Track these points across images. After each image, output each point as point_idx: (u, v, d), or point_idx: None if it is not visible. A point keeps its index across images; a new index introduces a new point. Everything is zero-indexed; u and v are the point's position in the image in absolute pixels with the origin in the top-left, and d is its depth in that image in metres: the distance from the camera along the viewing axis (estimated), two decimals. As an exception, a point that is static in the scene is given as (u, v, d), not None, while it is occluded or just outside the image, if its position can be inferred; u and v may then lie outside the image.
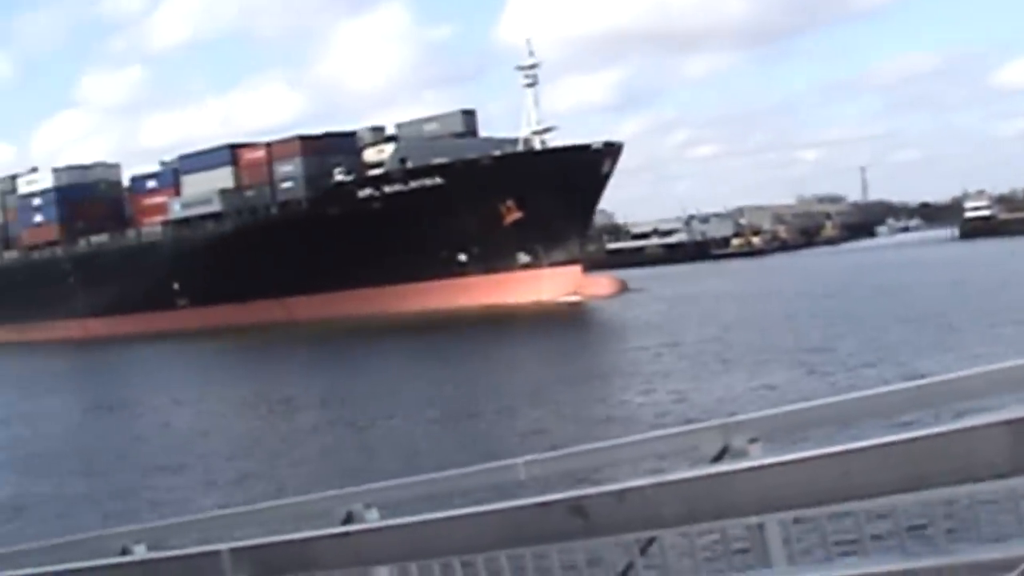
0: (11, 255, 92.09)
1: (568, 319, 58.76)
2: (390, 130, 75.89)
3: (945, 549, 3.39)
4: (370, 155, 70.37)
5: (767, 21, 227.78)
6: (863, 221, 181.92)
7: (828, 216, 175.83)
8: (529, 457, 4.81)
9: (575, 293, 65.59)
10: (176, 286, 76.81)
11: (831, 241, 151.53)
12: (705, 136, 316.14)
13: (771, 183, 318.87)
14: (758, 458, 3.80)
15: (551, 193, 62.69)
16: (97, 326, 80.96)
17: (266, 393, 36.26)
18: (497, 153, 66.39)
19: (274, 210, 73.40)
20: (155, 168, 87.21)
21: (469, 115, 74.56)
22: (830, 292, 54.68)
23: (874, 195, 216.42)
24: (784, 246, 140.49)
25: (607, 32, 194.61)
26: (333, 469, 20.86)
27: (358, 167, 70.33)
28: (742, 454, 4.11)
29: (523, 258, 66.71)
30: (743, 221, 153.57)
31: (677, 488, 3.05)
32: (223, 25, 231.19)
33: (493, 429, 24.50)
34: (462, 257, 67.21)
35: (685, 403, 24.34)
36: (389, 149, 69.34)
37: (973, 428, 2.63)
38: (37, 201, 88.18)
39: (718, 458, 4.19)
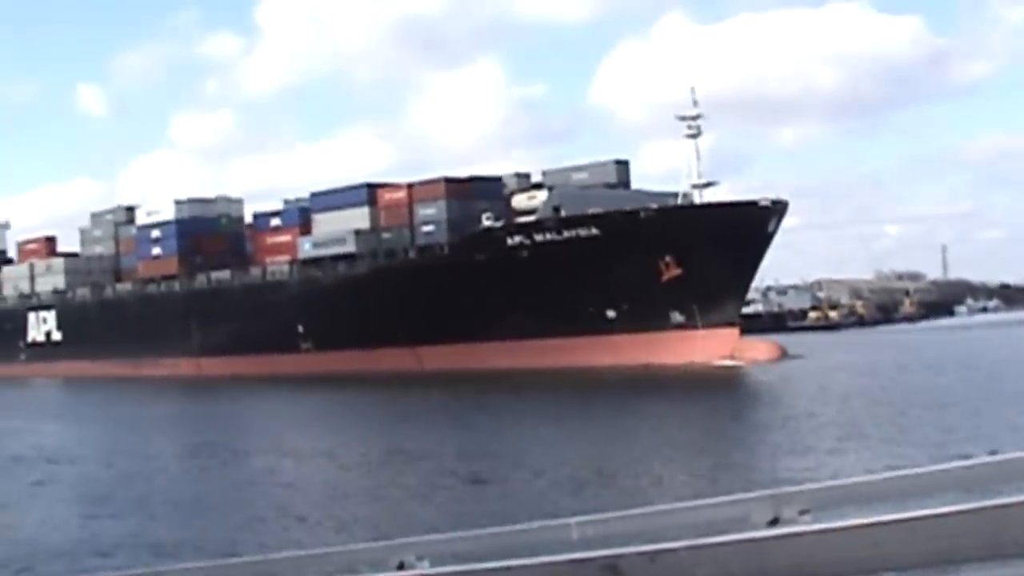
0: (124, 287, 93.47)
1: (720, 384, 57.86)
2: (536, 177, 75.99)
3: None
4: (520, 201, 70.50)
5: (859, 94, 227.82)
6: (941, 300, 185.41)
7: (907, 293, 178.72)
8: (580, 517, 5.05)
9: (732, 357, 64.55)
10: (301, 328, 77.16)
11: (909, 318, 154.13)
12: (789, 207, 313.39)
13: (851, 257, 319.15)
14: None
15: (713, 250, 62.10)
16: (212, 365, 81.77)
17: (385, 445, 36.42)
18: (654, 206, 65.86)
19: (413, 254, 73.61)
20: (278, 206, 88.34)
21: (622, 165, 74.61)
22: (943, 368, 55.33)
23: (954, 273, 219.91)
24: (861, 321, 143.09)
25: (698, 97, 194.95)
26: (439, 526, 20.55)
27: (506, 213, 70.26)
28: (793, 525, 4.23)
29: (677, 317, 65.99)
30: (821, 294, 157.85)
31: (710, 552, 3.22)
32: (316, 72, 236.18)
33: (607, 492, 24.59)
34: (610, 313, 66.56)
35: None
36: (541, 196, 69.38)
37: (1004, 506, 2.77)
38: (156, 233, 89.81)
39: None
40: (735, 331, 67.27)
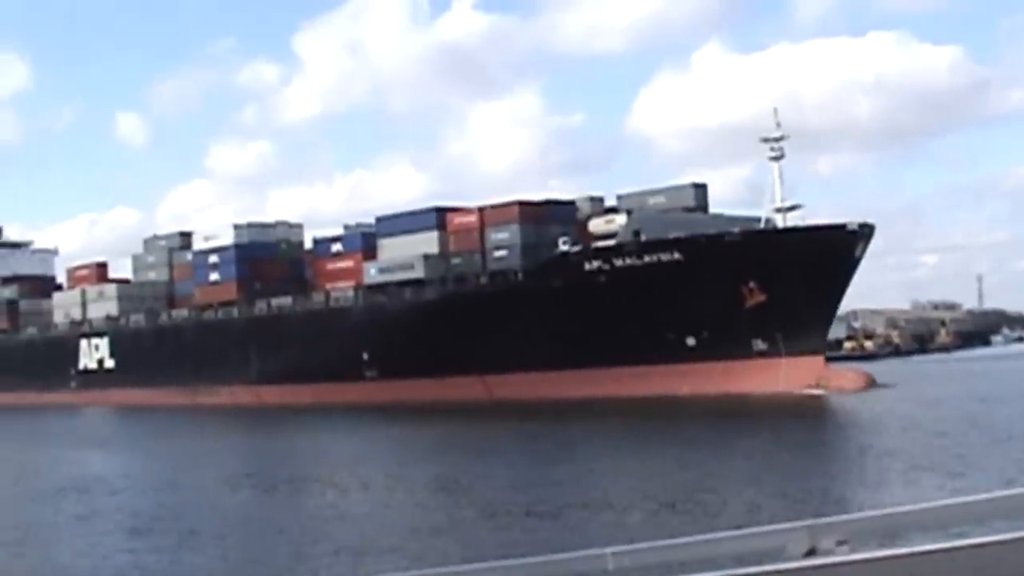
0: (180, 313, 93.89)
1: (806, 414, 57.25)
2: (609, 201, 76.00)
3: None
4: (597, 225, 70.42)
5: (897, 123, 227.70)
6: (977, 329, 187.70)
7: (942, 323, 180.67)
8: (616, 547, 5.10)
9: (817, 386, 64.00)
10: (365, 356, 77.09)
11: (944, 348, 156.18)
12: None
13: (887, 287, 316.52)
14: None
15: (798, 276, 61.83)
16: (272, 393, 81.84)
17: (449, 478, 36.34)
18: (736, 229, 65.64)
19: (484, 279, 73.55)
20: (338, 231, 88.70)
21: (700, 189, 74.47)
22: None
23: (990, 303, 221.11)
24: (897, 351, 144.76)
25: (735, 126, 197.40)
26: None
27: (582, 238, 70.14)
28: (830, 556, 4.30)
29: (759, 345, 65.56)
30: (856, 324, 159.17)
31: None
32: (353, 101, 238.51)
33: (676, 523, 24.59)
34: (690, 341, 66.17)
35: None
36: (620, 220, 69.28)
37: None
38: (214, 258, 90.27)
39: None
40: (820, 359, 66.88)
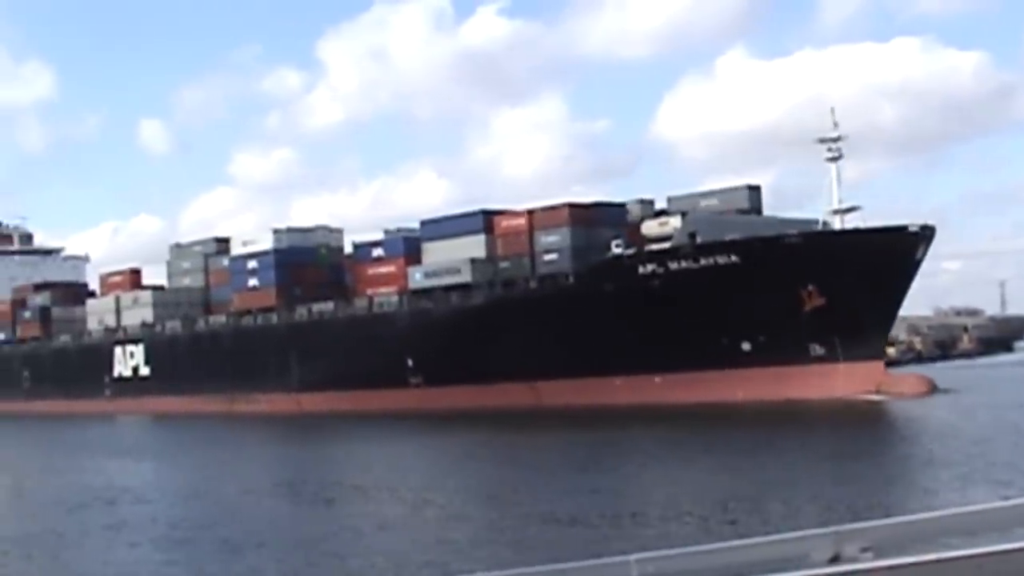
0: (217, 320, 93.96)
1: (865, 419, 56.94)
2: (659, 204, 75.74)
3: None
4: (650, 228, 70.06)
5: (922, 129, 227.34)
6: (999, 336, 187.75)
7: (965, 329, 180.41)
8: (640, 554, 5.14)
9: (877, 391, 63.57)
10: (410, 362, 76.88)
11: (967, 355, 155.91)
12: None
13: (909, 293, 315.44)
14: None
15: (858, 279, 61.49)
16: (313, 401, 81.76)
17: (491, 485, 36.82)
18: (794, 232, 65.29)
19: (533, 283, 73.32)
20: (368, 237, 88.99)
21: (755, 191, 74.23)
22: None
23: (1012, 309, 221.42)
24: (919, 358, 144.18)
25: (759, 132, 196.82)
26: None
27: (635, 241, 69.83)
28: (854, 563, 4.35)
29: (817, 350, 65.10)
30: None
31: None
32: (377, 108, 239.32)
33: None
34: (745, 346, 65.80)
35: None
36: (674, 222, 68.92)
37: None
38: (252, 264, 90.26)
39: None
40: (879, 364, 66.55)
